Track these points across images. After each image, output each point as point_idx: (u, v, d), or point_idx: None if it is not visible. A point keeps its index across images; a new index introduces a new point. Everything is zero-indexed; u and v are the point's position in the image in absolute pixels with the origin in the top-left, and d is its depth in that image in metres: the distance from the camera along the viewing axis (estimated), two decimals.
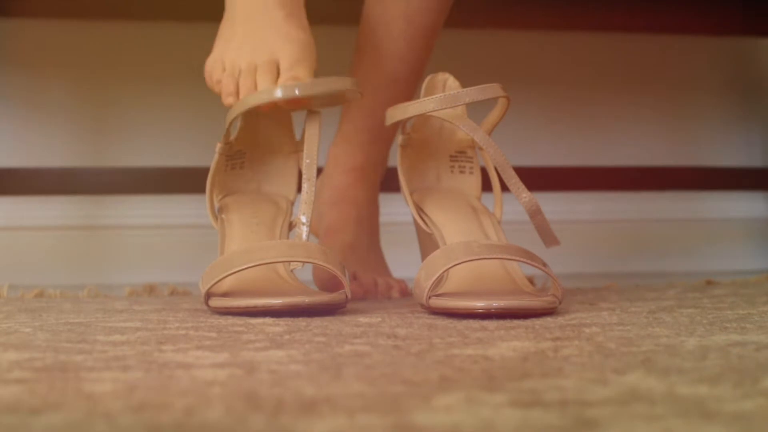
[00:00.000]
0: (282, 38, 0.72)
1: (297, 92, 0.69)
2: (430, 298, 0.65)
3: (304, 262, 0.67)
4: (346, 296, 0.68)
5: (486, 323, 0.58)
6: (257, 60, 0.72)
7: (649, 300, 0.77)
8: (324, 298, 0.66)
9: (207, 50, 0.79)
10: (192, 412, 0.31)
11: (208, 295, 0.69)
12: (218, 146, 0.78)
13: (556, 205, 1.47)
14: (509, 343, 0.48)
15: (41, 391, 0.35)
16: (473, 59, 1.50)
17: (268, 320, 0.62)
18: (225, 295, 0.68)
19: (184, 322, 0.62)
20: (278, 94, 0.69)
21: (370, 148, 0.92)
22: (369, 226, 0.94)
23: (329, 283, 0.87)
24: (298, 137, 0.81)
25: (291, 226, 0.79)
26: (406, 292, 0.89)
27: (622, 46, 1.59)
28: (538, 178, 1.45)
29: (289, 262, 0.69)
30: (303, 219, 0.71)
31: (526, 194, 0.68)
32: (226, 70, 0.74)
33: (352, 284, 0.87)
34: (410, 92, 0.89)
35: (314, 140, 0.74)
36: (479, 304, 0.61)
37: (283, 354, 0.45)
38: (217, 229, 0.78)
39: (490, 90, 0.71)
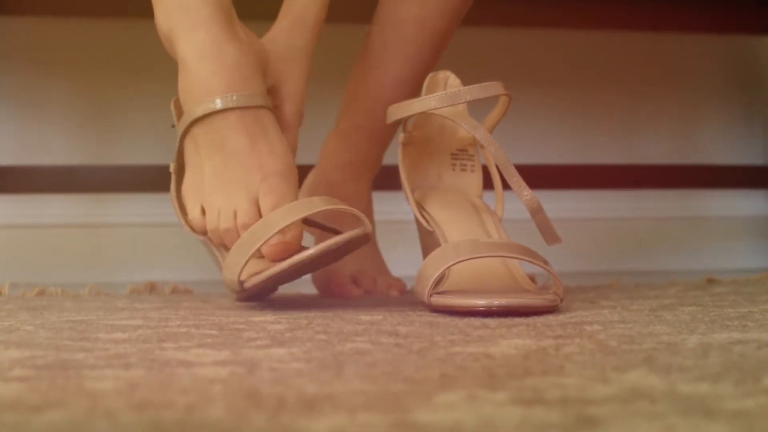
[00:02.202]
0: (255, 175, 0.68)
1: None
2: (431, 296, 0.65)
3: (296, 222, 0.66)
4: (366, 229, 0.68)
5: (487, 321, 0.58)
6: (236, 206, 0.68)
7: (651, 298, 0.77)
8: (349, 234, 0.66)
9: None
10: (193, 410, 0.31)
11: (241, 282, 0.67)
12: (171, 166, 0.76)
13: (557, 203, 1.47)
14: (510, 341, 0.48)
15: (42, 389, 0.35)
16: (475, 57, 1.50)
17: (269, 318, 0.62)
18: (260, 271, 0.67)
19: (185, 320, 0.62)
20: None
21: (366, 145, 0.92)
22: None
23: (329, 286, 0.87)
24: None
25: None
26: (404, 292, 0.89)
27: (624, 45, 1.59)
28: (539, 176, 1.45)
29: (301, 220, 0.67)
30: None
31: (527, 192, 0.68)
32: (207, 217, 0.70)
33: (352, 288, 0.87)
34: (414, 93, 0.89)
35: None
36: (480, 302, 0.61)
37: (285, 352, 0.45)
38: (202, 241, 0.76)
39: (491, 88, 0.71)
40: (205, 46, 0.68)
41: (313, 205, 0.67)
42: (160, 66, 1.44)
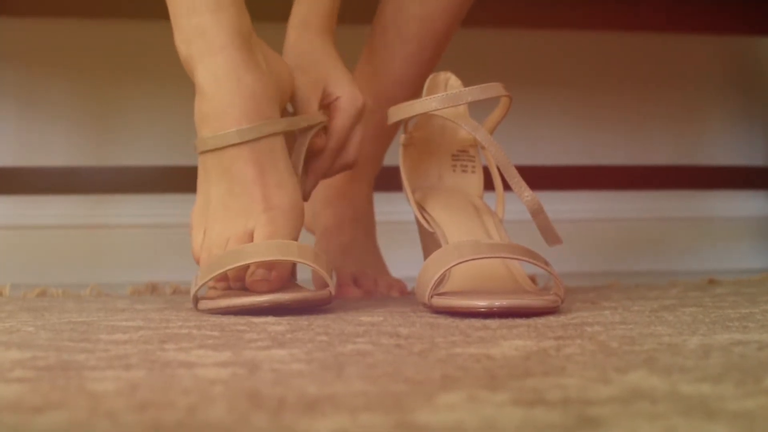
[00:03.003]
0: (257, 206, 0.68)
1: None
2: (432, 297, 0.65)
3: (283, 260, 0.67)
4: (330, 293, 0.68)
5: (488, 322, 0.58)
6: (230, 235, 0.68)
7: (651, 299, 0.77)
8: (307, 294, 0.66)
9: None
10: (194, 410, 0.31)
11: (197, 299, 0.70)
12: None
13: (558, 204, 1.47)
14: (511, 342, 0.48)
15: (44, 390, 0.35)
16: (476, 58, 1.50)
17: (270, 319, 0.62)
18: (222, 296, 0.68)
19: (186, 321, 0.62)
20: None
21: (368, 145, 0.92)
22: (365, 225, 0.94)
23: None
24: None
25: None
26: (405, 293, 0.89)
27: (625, 45, 1.59)
28: (540, 177, 1.45)
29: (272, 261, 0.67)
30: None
31: (528, 193, 0.68)
32: (204, 243, 0.70)
33: (352, 289, 0.87)
34: (416, 93, 0.89)
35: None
36: (481, 303, 0.61)
37: (285, 353, 0.45)
38: None
39: (492, 89, 0.71)
40: (222, 74, 0.68)
41: (290, 252, 0.66)
42: (161, 67, 1.45)
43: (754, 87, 1.65)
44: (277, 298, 0.65)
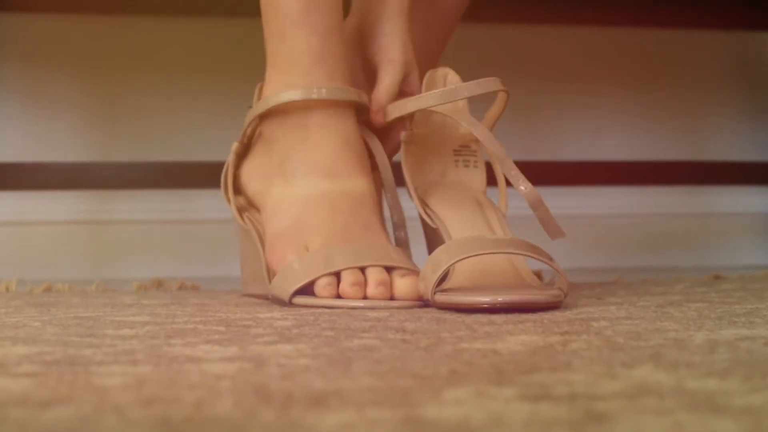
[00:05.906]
0: (374, 229, 0.73)
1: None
2: (435, 293, 0.65)
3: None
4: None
5: (494, 317, 0.58)
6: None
7: (657, 294, 0.77)
8: (398, 304, 0.68)
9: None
10: (201, 405, 0.31)
11: (292, 295, 0.69)
12: (234, 145, 0.78)
13: (563, 200, 1.47)
14: (518, 337, 0.48)
15: (51, 384, 0.35)
16: (475, 53, 1.49)
17: (276, 314, 0.62)
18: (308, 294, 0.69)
19: (192, 316, 0.62)
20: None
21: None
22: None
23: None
24: None
25: None
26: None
27: (628, 41, 1.59)
28: (544, 173, 1.45)
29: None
30: None
31: (525, 185, 0.67)
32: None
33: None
34: (423, 77, 0.89)
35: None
36: (484, 299, 0.61)
37: (292, 348, 0.45)
38: (245, 228, 0.78)
39: (489, 84, 0.71)
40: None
41: (389, 258, 0.70)
42: (168, 62, 1.45)
43: (761, 82, 1.65)
44: (373, 305, 0.67)
